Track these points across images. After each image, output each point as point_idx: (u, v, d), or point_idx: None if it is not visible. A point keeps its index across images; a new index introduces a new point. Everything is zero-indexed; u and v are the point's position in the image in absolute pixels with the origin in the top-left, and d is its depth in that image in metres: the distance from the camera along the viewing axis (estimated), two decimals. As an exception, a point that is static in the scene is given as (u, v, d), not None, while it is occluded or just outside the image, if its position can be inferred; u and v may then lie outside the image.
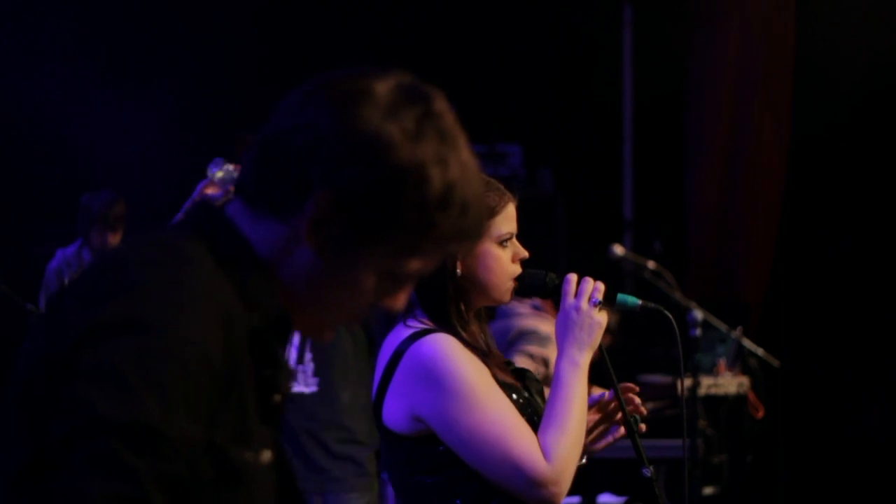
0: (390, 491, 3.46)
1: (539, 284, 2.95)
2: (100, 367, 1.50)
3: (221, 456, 1.60)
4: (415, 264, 1.65)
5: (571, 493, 2.87)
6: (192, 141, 7.39)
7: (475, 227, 1.66)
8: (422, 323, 2.84)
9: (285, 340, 1.72)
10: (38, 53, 8.06)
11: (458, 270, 2.86)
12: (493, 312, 3.22)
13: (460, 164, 1.62)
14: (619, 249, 6.73)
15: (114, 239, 6.76)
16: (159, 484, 1.49)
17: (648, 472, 2.91)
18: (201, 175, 4.72)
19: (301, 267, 1.66)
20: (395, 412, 2.81)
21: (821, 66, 8.23)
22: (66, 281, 6.06)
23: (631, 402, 2.96)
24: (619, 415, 3.01)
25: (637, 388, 3.04)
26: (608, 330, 2.97)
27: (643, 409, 2.99)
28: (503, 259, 2.89)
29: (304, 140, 1.62)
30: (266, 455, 1.69)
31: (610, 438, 3.03)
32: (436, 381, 2.75)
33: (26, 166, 8.15)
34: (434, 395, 2.74)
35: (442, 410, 2.74)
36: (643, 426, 2.96)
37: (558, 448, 2.76)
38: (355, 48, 8.24)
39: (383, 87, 1.63)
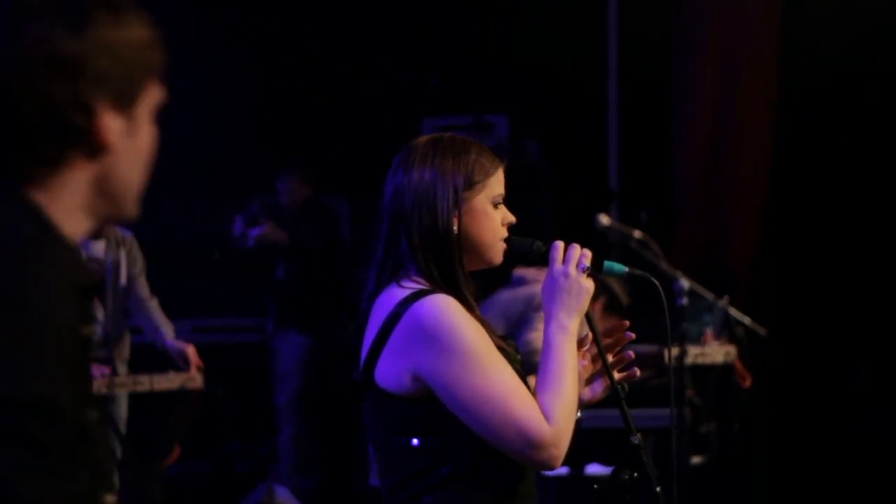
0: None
1: (527, 251, 2.98)
2: None
3: (78, 416, 1.71)
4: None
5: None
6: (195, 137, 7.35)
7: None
8: (417, 283, 2.85)
9: (93, 295, 1.83)
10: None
11: (455, 228, 2.87)
12: (509, 279, 3.23)
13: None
14: (605, 219, 6.74)
15: None
16: (61, 450, 1.63)
17: (636, 439, 2.92)
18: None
19: (100, 176, 1.78)
20: (391, 371, 2.81)
21: (808, 28, 8.22)
22: None
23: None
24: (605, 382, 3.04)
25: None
26: (618, 299, 2.98)
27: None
28: (496, 220, 2.94)
29: (62, 74, 1.73)
30: (94, 413, 1.81)
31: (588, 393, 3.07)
32: (438, 340, 2.75)
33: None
34: (435, 354, 2.75)
35: (444, 370, 2.74)
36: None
37: (557, 411, 2.77)
38: (345, 19, 8.23)
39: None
